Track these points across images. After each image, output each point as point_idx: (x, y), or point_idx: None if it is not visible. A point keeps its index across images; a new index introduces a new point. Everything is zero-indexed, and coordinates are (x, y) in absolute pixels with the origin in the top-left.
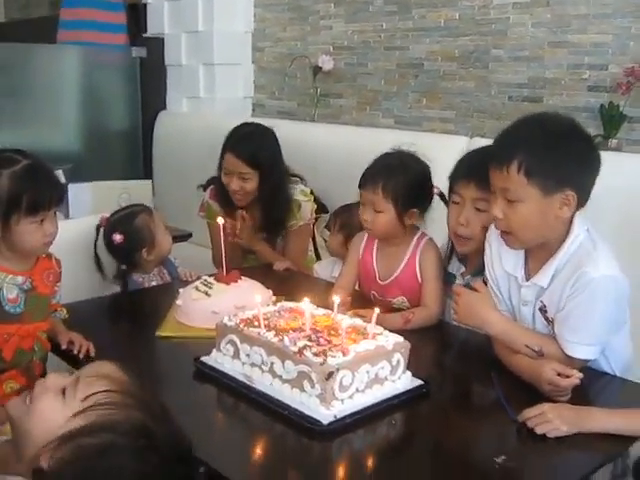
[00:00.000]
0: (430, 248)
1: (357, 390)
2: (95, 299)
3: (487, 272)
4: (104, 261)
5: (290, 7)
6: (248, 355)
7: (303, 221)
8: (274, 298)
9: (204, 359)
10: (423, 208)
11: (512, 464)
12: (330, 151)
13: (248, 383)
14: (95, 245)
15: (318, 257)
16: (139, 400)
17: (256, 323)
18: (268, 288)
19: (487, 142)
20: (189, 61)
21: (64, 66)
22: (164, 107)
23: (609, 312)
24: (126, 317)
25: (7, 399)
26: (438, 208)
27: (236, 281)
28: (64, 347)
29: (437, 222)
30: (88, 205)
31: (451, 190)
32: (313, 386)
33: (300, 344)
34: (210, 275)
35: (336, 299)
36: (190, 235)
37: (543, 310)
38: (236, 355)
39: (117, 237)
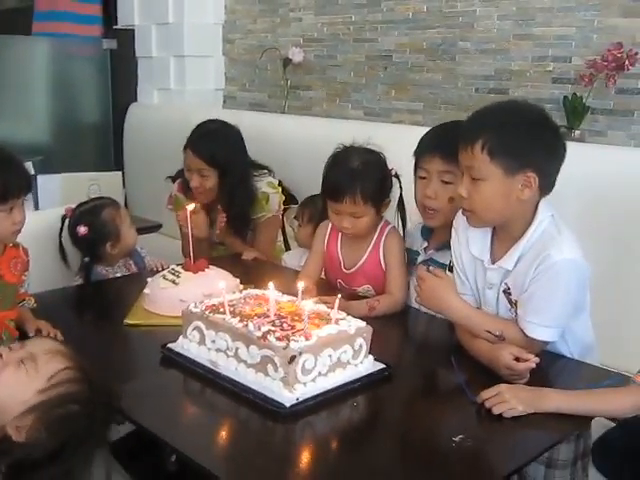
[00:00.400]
0: (393, 236)
1: (320, 374)
2: (62, 289)
3: (453, 257)
4: (70, 252)
5: None
6: (213, 341)
7: (271, 213)
8: (241, 286)
9: (171, 345)
10: (390, 192)
11: (469, 443)
12: (300, 142)
13: (214, 368)
14: (60, 236)
15: (287, 247)
16: (85, 372)
17: (221, 310)
18: (236, 277)
19: None
20: (160, 53)
21: (34, 58)
22: (135, 99)
23: (570, 295)
24: (94, 306)
25: None
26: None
27: (203, 270)
28: (32, 335)
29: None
30: (57, 196)
31: (417, 165)
32: (276, 370)
33: (264, 329)
34: (178, 264)
35: (300, 285)
36: (160, 226)
37: (507, 292)
38: (202, 341)
39: (82, 229)
